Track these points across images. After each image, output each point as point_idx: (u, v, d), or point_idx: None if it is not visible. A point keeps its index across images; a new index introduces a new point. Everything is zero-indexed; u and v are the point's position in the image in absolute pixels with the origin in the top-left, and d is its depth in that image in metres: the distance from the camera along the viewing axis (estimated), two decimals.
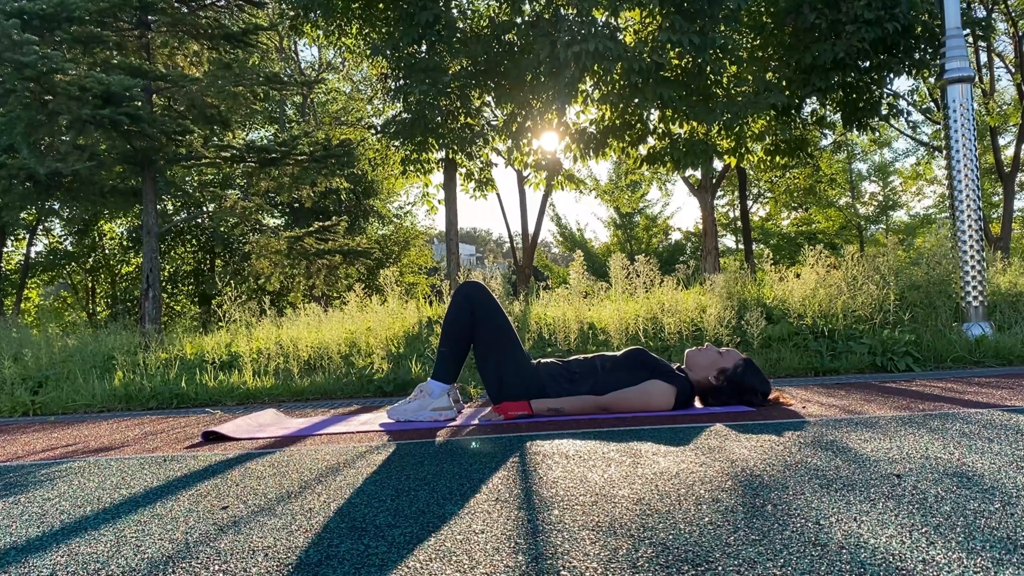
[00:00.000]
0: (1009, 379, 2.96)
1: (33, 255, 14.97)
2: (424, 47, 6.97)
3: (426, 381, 2.50)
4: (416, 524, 1.19)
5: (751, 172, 15.72)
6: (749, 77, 7.16)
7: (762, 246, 19.37)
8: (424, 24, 6.42)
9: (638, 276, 4.74)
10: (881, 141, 18.69)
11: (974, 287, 4.13)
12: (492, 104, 8.17)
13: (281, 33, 10.94)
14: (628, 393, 2.33)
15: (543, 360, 2.52)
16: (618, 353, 2.49)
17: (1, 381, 4.19)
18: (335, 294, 12.13)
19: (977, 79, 13.39)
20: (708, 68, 6.60)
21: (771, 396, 2.42)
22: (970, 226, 4.18)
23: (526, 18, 7.15)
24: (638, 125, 7.62)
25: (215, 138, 8.20)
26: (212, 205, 13.04)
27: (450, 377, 2.46)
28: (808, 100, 7.65)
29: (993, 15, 12.47)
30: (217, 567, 1.03)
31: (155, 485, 1.62)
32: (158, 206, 7.93)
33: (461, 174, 8.07)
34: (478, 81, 7.10)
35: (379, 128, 7.52)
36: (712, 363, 2.42)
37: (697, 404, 2.48)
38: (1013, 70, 13.83)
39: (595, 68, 6.47)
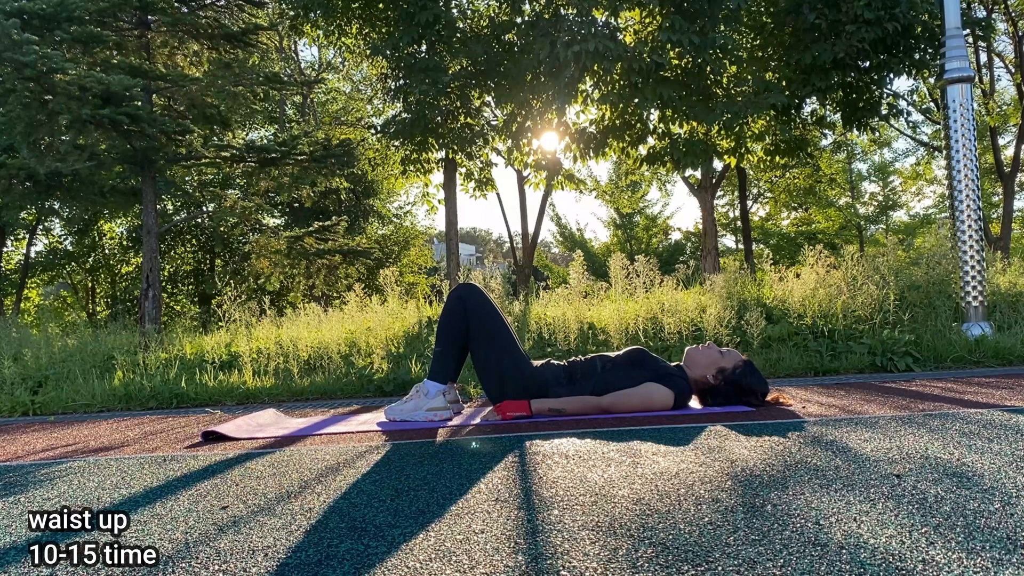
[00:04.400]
0: (1009, 379, 2.96)
1: (33, 255, 14.98)
2: (424, 47, 6.97)
3: (423, 381, 2.50)
4: (416, 524, 1.19)
5: (751, 172, 15.72)
6: (749, 77, 7.16)
7: (762, 246, 19.38)
8: (424, 24, 6.42)
9: (638, 276, 4.74)
10: (881, 141, 18.70)
11: (974, 287, 4.13)
12: (492, 104, 8.18)
13: (281, 33, 10.94)
14: (628, 394, 2.33)
15: (542, 362, 2.51)
16: (618, 353, 2.49)
17: (1, 381, 4.19)
18: (335, 294, 12.13)
19: (977, 79, 13.40)
20: (708, 68, 6.60)
21: (769, 397, 2.42)
22: (970, 226, 4.18)
23: (526, 18, 7.15)
24: (638, 125, 7.62)
25: (215, 138, 8.21)
26: (212, 205, 13.05)
27: (446, 377, 2.46)
28: (808, 100, 7.65)
29: (993, 15, 12.48)
30: (217, 567, 1.03)
31: (155, 485, 1.62)
32: (158, 206, 7.93)
33: (461, 174, 8.07)
34: (478, 81, 7.10)
35: (379, 128, 7.52)
36: (712, 362, 2.42)
37: (696, 404, 2.48)
38: (1013, 70, 13.84)
39: (595, 68, 6.47)
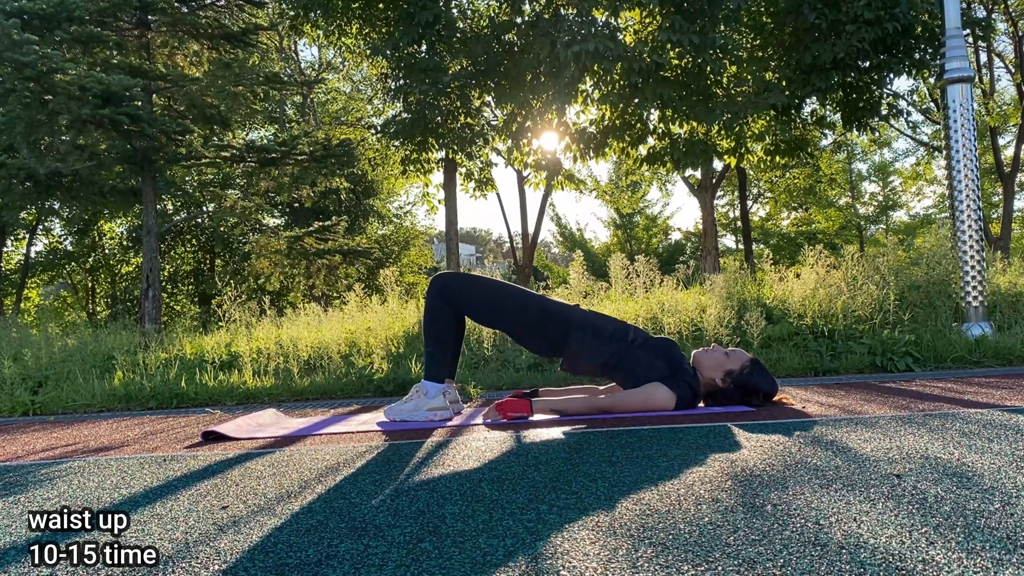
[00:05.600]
0: (1009, 379, 2.96)
1: (33, 255, 14.99)
2: (424, 47, 6.97)
3: (421, 381, 2.49)
4: (416, 524, 1.19)
5: (751, 172, 15.72)
6: (749, 77, 7.16)
7: (762, 246, 19.38)
8: (424, 24, 6.42)
9: (638, 276, 4.74)
10: (881, 141, 18.71)
11: (974, 287, 4.13)
12: (492, 104, 8.17)
13: (281, 33, 10.95)
14: (629, 395, 2.33)
15: (572, 304, 2.50)
16: (653, 336, 2.47)
17: (1, 381, 4.19)
18: (335, 294, 12.13)
19: (977, 79, 13.40)
20: (708, 68, 6.60)
21: (776, 398, 2.41)
22: (970, 226, 4.18)
23: (526, 18, 7.15)
24: (638, 125, 7.62)
25: (215, 138, 8.21)
26: (212, 205, 13.05)
27: (443, 375, 2.45)
28: (808, 100, 7.65)
29: (993, 15, 12.48)
30: (217, 567, 1.03)
31: (155, 485, 1.62)
32: (158, 206, 7.94)
33: (461, 174, 8.07)
34: (478, 81, 7.10)
35: (379, 128, 7.52)
36: (718, 365, 2.40)
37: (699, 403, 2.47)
38: (1013, 70, 13.84)
39: (595, 68, 6.47)
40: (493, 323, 2.54)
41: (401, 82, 6.96)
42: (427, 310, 2.45)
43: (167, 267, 15.40)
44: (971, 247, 4.16)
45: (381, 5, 7.17)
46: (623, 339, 2.38)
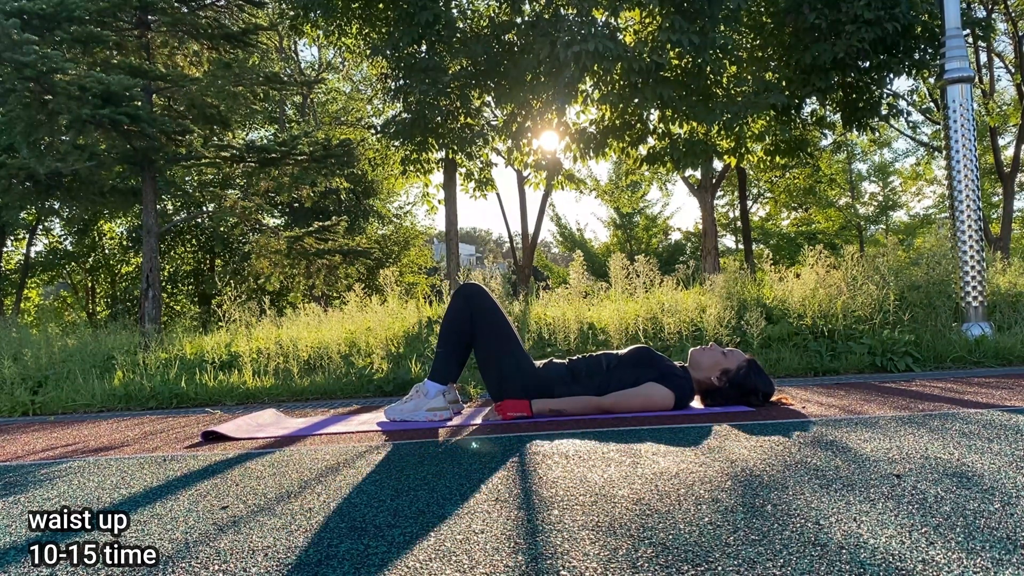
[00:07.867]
0: (1009, 379, 2.96)
1: (33, 255, 14.98)
2: (424, 47, 6.98)
3: (423, 381, 2.50)
4: (416, 524, 1.19)
5: (751, 172, 15.72)
6: (749, 77, 7.16)
7: (762, 246, 19.38)
8: (424, 24, 6.42)
9: (638, 276, 4.74)
10: (881, 141, 18.71)
11: (974, 287, 4.13)
12: (492, 104, 8.18)
13: (281, 33, 10.95)
14: (628, 394, 2.33)
15: (544, 361, 2.51)
16: (623, 351, 2.48)
17: (1, 381, 4.19)
18: (335, 294, 12.12)
19: (977, 79, 13.40)
20: (708, 68, 6.60)
21: (774, 398, 2.41)
22: (970, 226, 4.18)
23: (526, 18, 7.15)
24: (638, 125, 7.62)
25: (215, 138, 8.20)
26: (212, 205, 13.04)
27: (447, 377, 2.46)
28: (808, 100, 7.65)
29: (993, 15, 12.48)
30: (217, 567, 1.03)
31: (155, 485, 1.62)
32: (158, 206, 7.93)
33: (461, 174, 8.07)
34: (478, 81, 7.10)
35: (379, 128, 7.52)
36: (715, 363, 2.42)
37: (698, 404, 2.48)
38: (1013, 70, 13.83)
39: (595, 68, 6.47)
40: (484, 356, 2.47)
41: (401, 82, 6.96)
42: (451, 312, 2.46)
43: (167, 267, 15.39)
44: (971, 247, 4.16)
45: (381, 5, 7.17)
46: (600, 371, 2.41)
